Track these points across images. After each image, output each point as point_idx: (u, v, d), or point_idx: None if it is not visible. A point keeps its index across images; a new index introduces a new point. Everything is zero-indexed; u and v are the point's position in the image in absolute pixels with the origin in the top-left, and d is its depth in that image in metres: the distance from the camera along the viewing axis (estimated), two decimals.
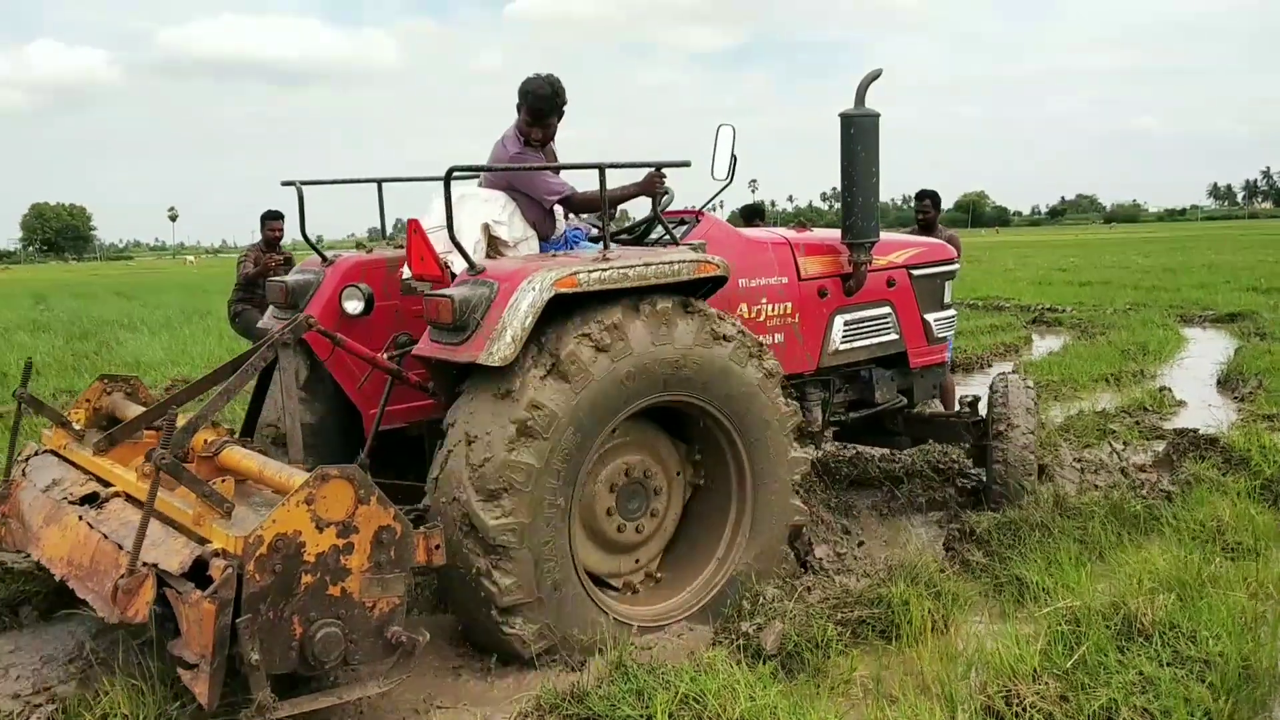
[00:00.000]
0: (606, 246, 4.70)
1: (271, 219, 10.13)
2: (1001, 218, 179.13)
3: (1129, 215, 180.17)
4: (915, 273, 6.58)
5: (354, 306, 5.41)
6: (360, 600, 3.73)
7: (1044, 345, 15.21)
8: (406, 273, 5.13)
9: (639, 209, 6.00)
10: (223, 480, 3.98)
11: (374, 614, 3.76)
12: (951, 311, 6.98)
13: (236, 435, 5.31)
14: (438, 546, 3.98)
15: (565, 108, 5.45)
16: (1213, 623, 4.30)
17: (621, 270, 4.41)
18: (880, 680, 4.22)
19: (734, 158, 5.64)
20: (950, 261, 6.94)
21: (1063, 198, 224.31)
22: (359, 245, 6.10)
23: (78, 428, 5.20)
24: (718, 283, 4.82)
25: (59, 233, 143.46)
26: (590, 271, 4.33)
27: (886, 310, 6.37)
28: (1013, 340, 15.10)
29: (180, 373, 12.81)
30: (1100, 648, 4.16)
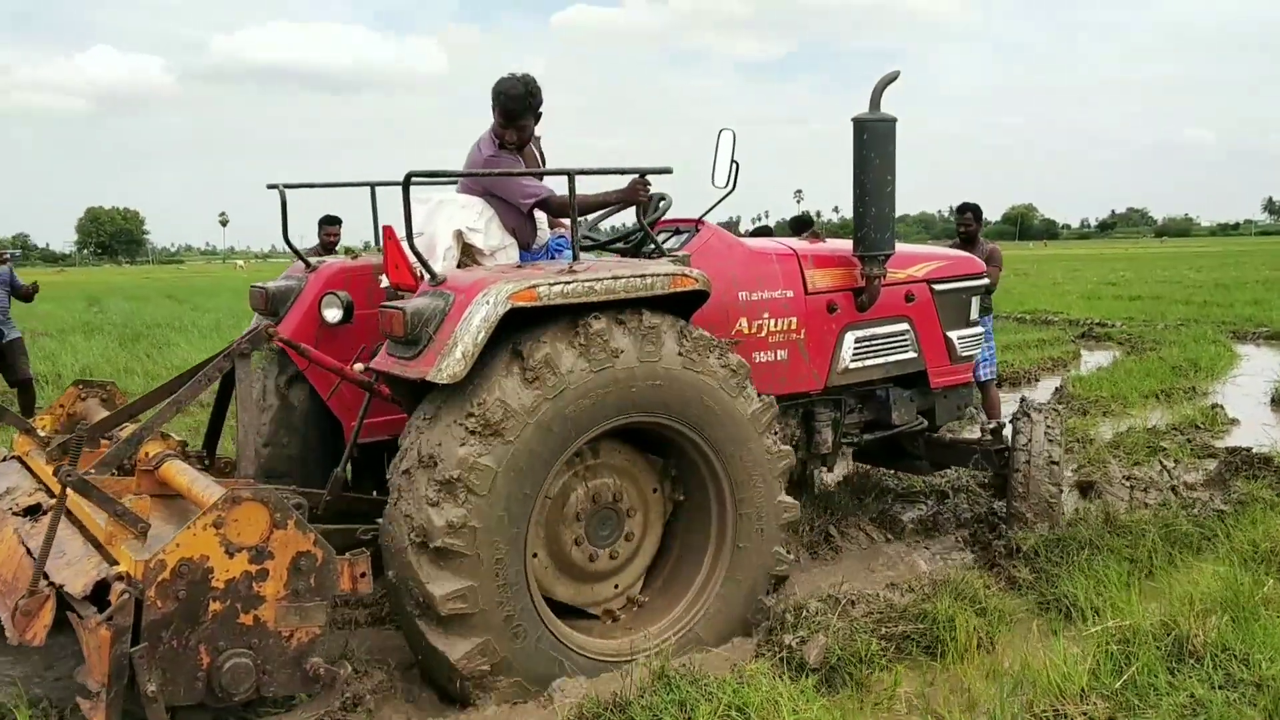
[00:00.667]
0: (575, 256, 4.43)
1: (328, 224, 10.21)
2: (1050, 231, 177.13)
3: (1181, 229, 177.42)
4: (937, 287, 6.26)
5: (333, 315, 5.29)
6: (276, 629, 3.54)
7: (1093, 360, 15.02)
8: (385, 281, 4.93)
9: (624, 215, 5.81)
10: (139, 498, 3.84)
11: (291, 644, 3.58)
12: (978, 329, 6.65)
13: (199, 447, 5.21)
14: (363, 574, 3.80)
15: (541, 109, 5.18)
16: (1266, 645, 4.23)
17: (587, 283, 4.14)
18: (925, 697, 4.18)
19: (735, 164, 5.40)
20: (977, 275, 6.63)
21: (1113, 211, 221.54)
22: (347, 251, 5.98)
23: (44, 434, 5.03)
24: (699, 298, 4.55)
25: (113, 236, 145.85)
26: (552, 284, 4.07)
27: (904, 327, 6.06)
28: (1060, 355, 14.93)
29: None
30: (1150, 669, 4.10)
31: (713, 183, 5.47)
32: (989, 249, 8.68)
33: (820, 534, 6.40)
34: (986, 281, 6.89)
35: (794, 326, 5.50)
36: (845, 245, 6.01)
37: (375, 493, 5.11)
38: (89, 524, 3.87)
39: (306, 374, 5.33)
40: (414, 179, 4.21)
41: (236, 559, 3.44)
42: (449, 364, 3.91)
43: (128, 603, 3.28)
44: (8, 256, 9.17)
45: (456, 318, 3.99)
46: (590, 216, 5.53)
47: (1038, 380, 13.00)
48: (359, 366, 4.96)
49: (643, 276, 4.30)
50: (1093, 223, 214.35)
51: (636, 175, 4.80)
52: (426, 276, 4.34)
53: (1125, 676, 4.05)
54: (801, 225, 10.51)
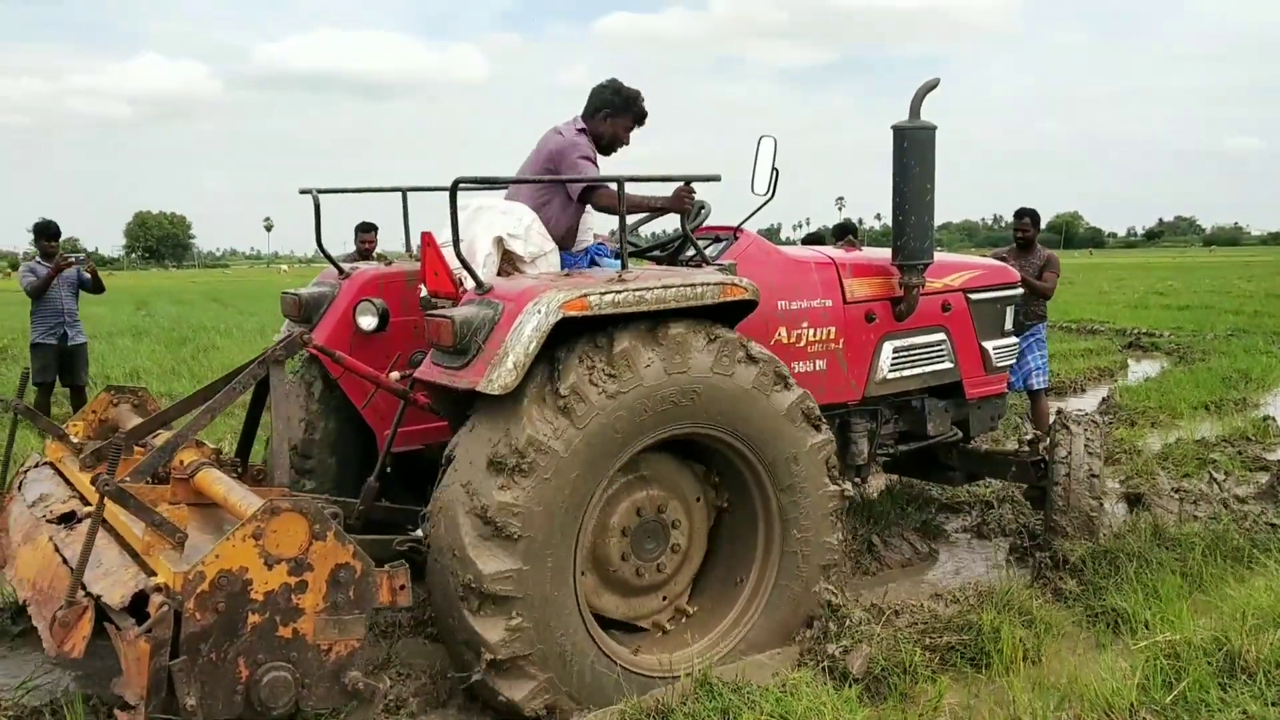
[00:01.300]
0: (624, 266, 4.36)
1: (364, 230, 10.29)
2: (1096, 239, 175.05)
3: (1230, 238, 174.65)
4: (973, 297, 6.20)
5: (368, 322, 5.22)
6: (314, 643, 3.47)
7: (1140, 370, 14.83)
8: (423, 288, 4.81)
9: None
10: (177, 507, 3.76)
11: (330, 657, 3.50)
12: (1013, 339, 6.57)
13: (233, 454, 5.16)
14: (402, 586, 3.71)
15: (628, 116, 5.32)
16: None
17: (637, 293, 4.06)
18: (970, 709, 4.14)
19: (775, 171, 5.36)
20: (1013, 285, 6.55)
21: (1160, 219, 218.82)
22: (379, 257, 5.88)
23: (77, 440, 5.00)
24: (747, 307, 4.51)
25: (160, 240, 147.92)
26: (603, 294, 4.00)
27: (940, 337, 6.00)
28: (1107, 364, 14.75)
29: None
30: (1201, 684, 4.04)
31: (752, 190, 5.44)
32: (1046, 255, 8.56)
33: (864, 544, 6.36)
34: (1021, 292, 6.82)
35: (833, 336, 5.46)
36: (882, 254, 5.97)
37: (409, 504, 5.04)
38: (125, 533, 3.84)
39: (340, 382, 5.29)
40: (461, 184, 4.18)
41: (275, 571, 3.39)
42: (500, 374, 3.86)
43: (167, 615, 3.23)
44: (73, 260, 9.29)
45: (507, 327, 3.93)
46: (631, 219, 5.48)
47: (1084, 390, 12.85)
48: (394, 375, 4.94)
49: (693, 285, 4.26)
50: (1139, 231, 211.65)
51: (682, 183, 4.77)
52: (471, 285, 4.29)
53: (1176, 692, 3.99)
54: (844, 232, 10.46)
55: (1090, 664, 4.40)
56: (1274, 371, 13.58)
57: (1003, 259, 7.73)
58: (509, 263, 4.85)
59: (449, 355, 4.11)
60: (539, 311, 3.91)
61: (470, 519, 3.89)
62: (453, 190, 4.12)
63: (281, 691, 3.39)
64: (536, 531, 3.92)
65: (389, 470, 5.06)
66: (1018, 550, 6.26)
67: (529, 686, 3.99)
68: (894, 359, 5.74)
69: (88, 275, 9.30)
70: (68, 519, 4.29)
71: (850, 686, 4.20)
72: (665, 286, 4.17)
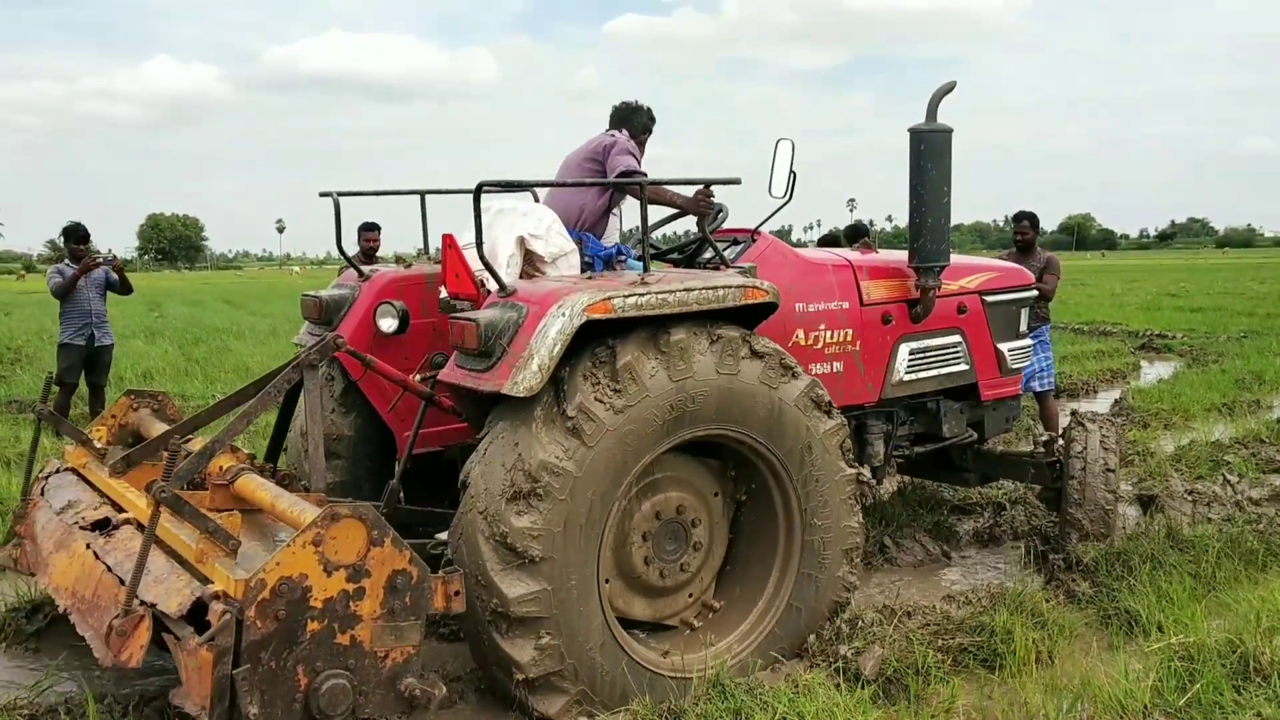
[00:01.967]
0: (646, 268, 4.39)
1: (367, 230, 10.35)
2: (1108, 241, 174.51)
3: (1243, 240, 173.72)
4: (989, 299, 6.20)
5: (388, 324, 5.24)
6: (371, 649, 3.46)
7: (1153, 372, 14.78)
8: (443, 290, 4.87)
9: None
10: (229, 514, 3.74)
11: (386, 664, 3.50)
12: (1028, 341, 6.58)
13: (261, 460, 5.15)
14: (457, 593, 3.69)
15: (643, 132, 5.72)
16: None
17: (660, 295, 4.08)
18: (982, 710, 4.14)
19: (793, 174, 5.37)
20: (1027, 287, 6.57)
21: (1173, 221, 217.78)
22: (398, 259, 5.91)
23: (100, 445, 4.98)
24: (768, 309, 4.52)
25: (173, 242, 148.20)
26: (626, 296, 4.00)
27: (956, 339, 6.01)
28: (1120, 366, 14.72)
29: None
30: (1215, 686, 4.03)
31: (769, 193, 5.44)
32: (1046, 257, 8.57)
33: (876, 545, 6.36)
34: (1035, 294, 6.82)
35: (850, 338, 5.46)
36: (898, 256, 5.98)
37: (428, 505, 5.11)
38: (170, 539, 3.81)
39: (360, 384, 5.30)
40: (485, 188, 4.20)
41: (334, 577, 3.37)
42: (525, 377, 3.85)
43: (229, 623, 3.19)
44: (101, 261, 9.34)
45: (531, 330, 3.93)
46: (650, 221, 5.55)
47: (1096, 392, 12.81)
48: (416, 377, 4.96)
49: (714, 288, 4.26)
50: (1152, 233, 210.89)
51: (701, 186, 4.79)
52: (495, 287, 4.29)
53: (1189, 694, 3.98)
54: (856, 234, 10.45)
55: (1103, 666, 4.39)
56: None
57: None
58: (529, 264, 4.88)
59: (473, 358, 4.11)
60: (563, 314, 3.91)
61: (491, 545, 3.90)
62: (476, 193, 4.13)
63: (340, 699, 3.39)
64: (558, 551, 3.93)
65: (406, 472, 5.06)
66: (1031, 552, 6.24)
67: (562, 701, 4.03)
68: (910, 361, 5.75)
69: (115, 276, 9.36)
70: (101, 525, 4.25)
71: (863, 688, 4.19)
72: (687, 289, 4.17)
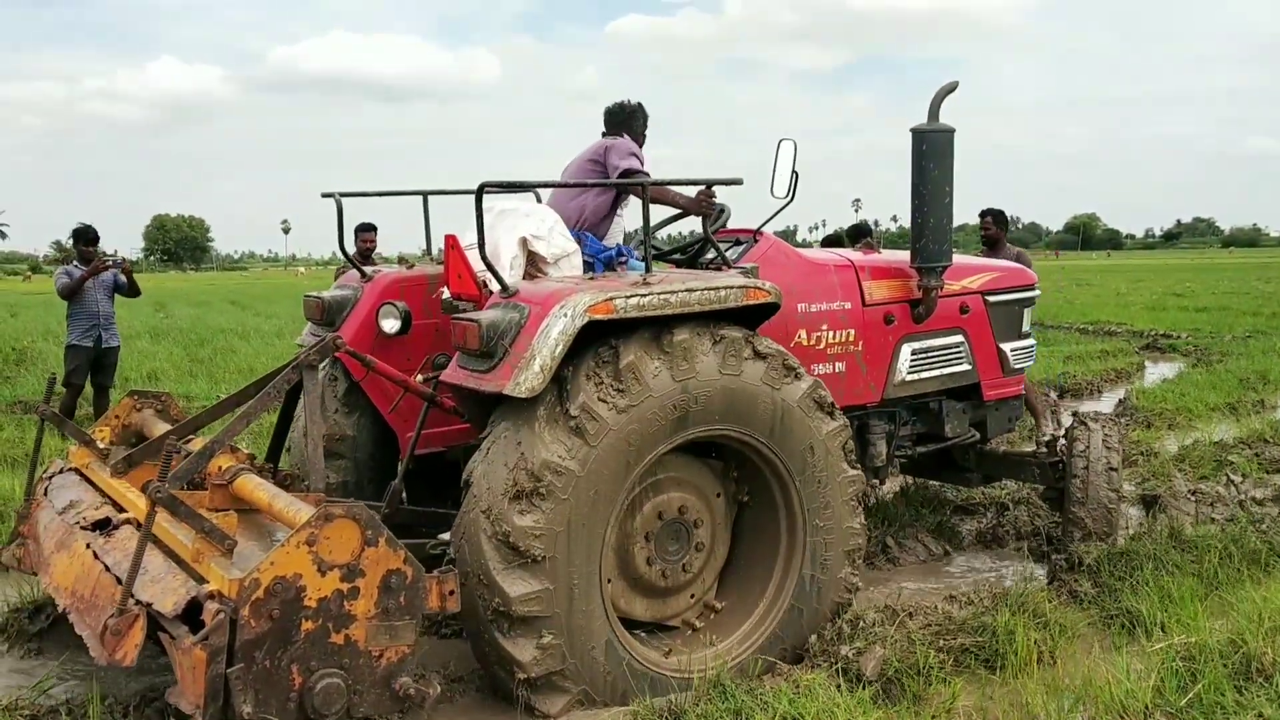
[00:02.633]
0: (648, 269, 4.41)
1: (364, 230, 10.39)
2: (1114, 241, 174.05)
3: (1249, 239, 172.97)
4: (991, 299, 6.21)
5: (390, 325, 5.23)
6: (366, 649, 3.47)
7: (1157, 372, 14.76)
8: (446, 291, 4.89)
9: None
10: (225, 514, 3.76)
11: (381, 664, 3.51)
12: (1030, 341, 6.57)
13: (262, 459, 5.14)
14: (452, 592, 3.71)
15: (642, 131, 5.76)
16: None
17: (662, 296, 4.08)
18: (984, 710, 4.13)
19: (795, 174, 5.35)
20: (1030, 287, 6.58)
21: (1178, 220, 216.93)
22: (401, 260, 5.92)
23: (103, 446, 4.99)
24: (770, 310, 4.52)
25: (178, 243, 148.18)
26: (628, 297, 4.01)
27: (959, 339, 6.01)
28: (1124, 366, 14.69)
29: None
30: (1217, 687, 4.02)
31: (772, 193, 5.43)
32: (1015, 253, 8.46)
33: (878, 545, 6.36)
34: (1038, 293, 6.82)
35: (852, 339, 5.46)
36: (901, 256, 5.97)
37: (431, 506, 5.11)
38: (168, 539, 3.82)
39: (363, 384, 5.30)
40: (488, 188, 4.20)
41: (328, 577, 3.39)
42: (527, 377, 3.86)
43: (223, 622, 3.22)
44: (109, 263, 9.37)
45: (533, 330, 3.94)
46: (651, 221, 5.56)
47: (1101, 392, 12.79)
48: (418, 378, 4.96)
49: (716, 289, 4.26)
50: (1157, 233, 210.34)
51: (703, 187, 4.79)
52: (497, 288, 4.30)
53: (1191, 694, 3.97)
54: (859, 234, 10.45)
55: (1105, 666, 4.37)
56: None
57: None
58: (532, 265, 4.89)
59: (475, 359, 4.13)
60: (565, 315, 3.92)
61: (493, 545, 3.92)
62: (478, 194, 4.14)
63: (334, 698, 3.41)
64: (560, 551, 3.95)
65: (410, 469, 5.08)
66: (1041, 552, 6.24)
67: (563, 700, 4.05)
68: (912, 361, 5.75)
69: (124, 279, 9.39)
70: (102, 525, 4.27)
71: (864, 688, 4.18)
72: (689, 290, 4.17)
